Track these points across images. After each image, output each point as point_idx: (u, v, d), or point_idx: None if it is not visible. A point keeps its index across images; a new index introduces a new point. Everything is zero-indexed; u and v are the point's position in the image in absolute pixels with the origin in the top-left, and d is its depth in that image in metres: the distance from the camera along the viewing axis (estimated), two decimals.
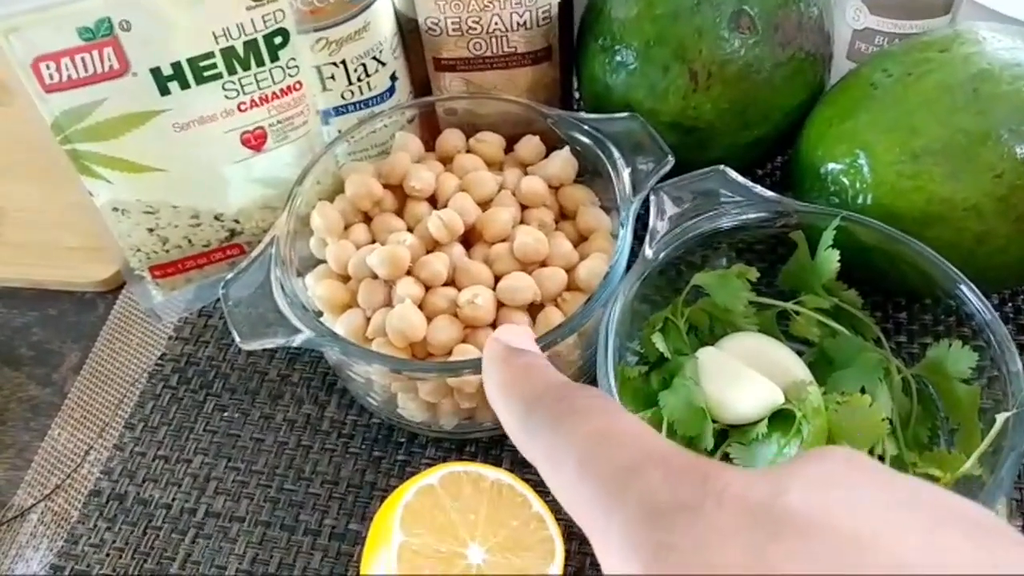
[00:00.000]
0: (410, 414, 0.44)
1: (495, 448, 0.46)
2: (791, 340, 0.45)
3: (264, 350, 0.51)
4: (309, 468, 0.46)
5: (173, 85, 0.41)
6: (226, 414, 0.49)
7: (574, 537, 0.42)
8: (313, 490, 0.45)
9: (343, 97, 0.48)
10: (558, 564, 0.37)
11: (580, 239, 0.46)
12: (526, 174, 0.47)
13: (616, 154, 0.45)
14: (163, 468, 0.47)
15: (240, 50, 0.41)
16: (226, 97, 0.42)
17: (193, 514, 0.45)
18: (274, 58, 0.42)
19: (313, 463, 0.46)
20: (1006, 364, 0.38)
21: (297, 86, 0.45)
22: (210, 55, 0.40)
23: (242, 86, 0.43)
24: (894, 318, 0.48)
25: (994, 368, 0.38)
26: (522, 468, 0.45)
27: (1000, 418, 0.36)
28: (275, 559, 0.43)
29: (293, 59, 0.43)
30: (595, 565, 0.41)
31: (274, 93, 0.44)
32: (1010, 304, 0.50)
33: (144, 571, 0.43)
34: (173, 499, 0.45)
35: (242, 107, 0.43)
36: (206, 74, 0.41)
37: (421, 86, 0.53)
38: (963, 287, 0.39)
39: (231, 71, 0.41)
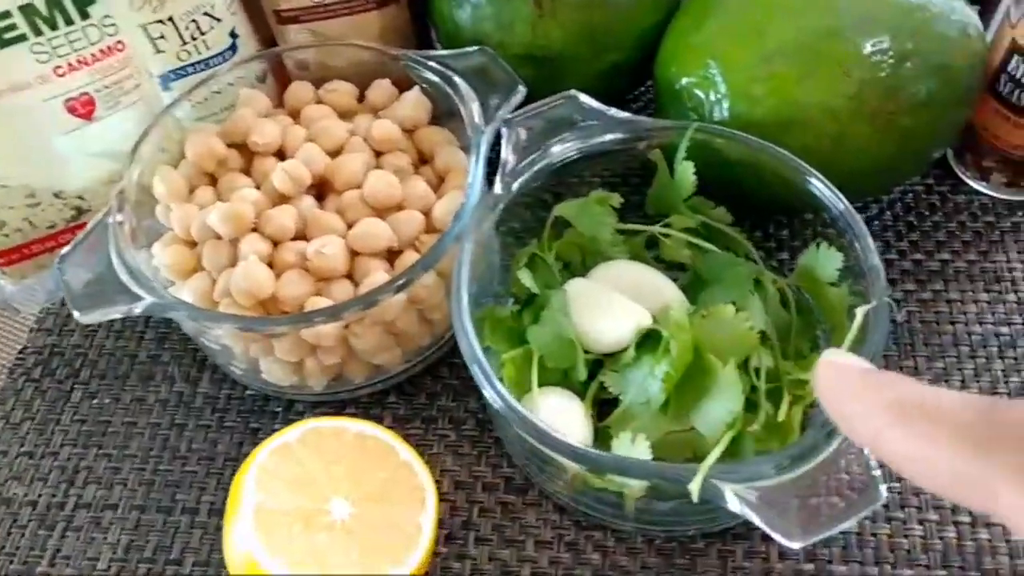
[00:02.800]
0: (275, 378, 0.42)
1: (376, 407, 0.44)
2: (666, 265, 0.44)
3: (133, 331, 0.49)
4: (184, 446, 0.44)
5: None
6: (95, 401, 0.46)
7: (445, 481, 0.41)
8: (189, 468, 0.43)
9: (179, 58, 0.46)
10: (430, 511, 0.36)
11: (440, 181, 0.44)
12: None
13: (463, 87, 0.43)
14: (27, 464, 0.44)
15: (42, 7, 0.38)
16: (38, 61, 0.40)
17: (61, 508, 0.43)
18: (84, 15, 0.40)
19: (188, 441, 0.44)
20: (865, 259, 0.37)
21: (119, 46, 0.42)
22: (7, 15, 0.38)
23: (53, 48, 0.40)
24: (775, 236, 0.47)
25: (856, 269, 0.38)
26: (404, 424, 0.43)
27: (860, 312, 0.35)
28: (151, 543, 0.41)
29: (108, 16, 0.41)
30: (462, 509, 0.40)
31: (94, 55, 0.41)
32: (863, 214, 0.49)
33: (11, 572, 0.41)
34: (39, 495, 0.43)
35: (59, 71, 0.41)
36: (7, 36, 0.38)
37: (271, 44, 0.51)
38: (813, 180, 0.38)
39: (36, 32, 0.39)
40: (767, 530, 0.30)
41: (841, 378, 0.23)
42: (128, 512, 0.42)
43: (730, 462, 0.32)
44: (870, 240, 0.37)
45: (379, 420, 0.44)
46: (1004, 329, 0.44)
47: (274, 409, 0.45)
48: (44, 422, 0.46)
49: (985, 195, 0.49)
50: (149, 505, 0.42)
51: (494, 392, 0.34)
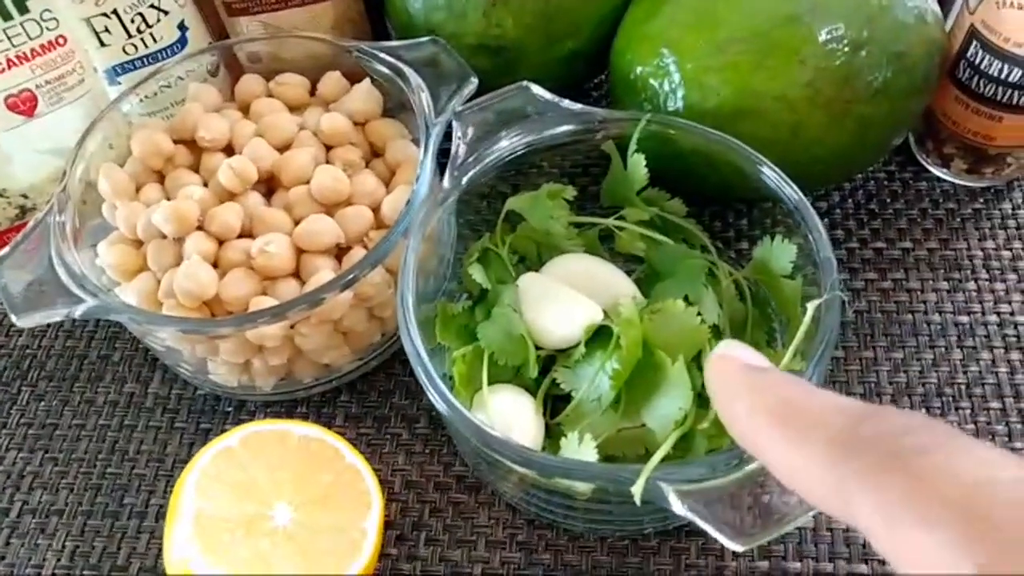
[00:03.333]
0: (223, 379, 0.41)
1: (327, 406, 0.43)
2: (622, 258, 0.43)
3: (83, 331, 0.48)
4: (134, 448, 0.43)
5: None
6: (43, 403, 0.45)
7: (396, 480, 0.40)
8: (138, 471, 0.43)
9: (125, 52, 0.45)
10: (375, 516, 0.35)
11: (391, 175, 0.43)
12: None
13: (413, 79, 0.42)
14: None
15: None
16: None
17: (6, 514, 0.42)
18: (23, 10, 0.39)
19: (138, 443, 0.43)
20: (818, 251, 0.36)
21: (61, 41, 0.41)
22: None
23: None
24: (734, 225, 0.47)
25: (811, 259, 0.37)
26: (356, 423, 0.43)
27: (811, 306, 0.34)
28: (97, 549, 0.40)
29: (47, 10, 0.40)
30: (412, 509, 0.39)
31: (34, 50, 0.40)
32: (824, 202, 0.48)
33: None
34: None
35: None
36: None
37: (223, 36, 0.49)
38: (767, 171, 0.38)
39: None
40: (711, 532, 0.29)
41: (729, 375, 0.23)
42: (74, 517, 0.41)
43: (678, 462, 0.31)
44: (824, 232, 0.36)
45: (331, 419, 0.43)
46: (963, 318, 0.43)
47: (225, 409, 0.44)
48: None
49: (947, 182, 0.48)
50: (96, 509, 0.41)
51: (436, 394, 0.33)
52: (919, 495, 0.17)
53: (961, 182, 0.48)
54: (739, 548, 0.29)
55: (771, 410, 0.21)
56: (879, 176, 0.49)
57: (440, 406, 0.33)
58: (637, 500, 0.30)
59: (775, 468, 0.21)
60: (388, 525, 0.39)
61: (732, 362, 0.23)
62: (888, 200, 0.48)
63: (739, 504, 0.29)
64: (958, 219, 0.47)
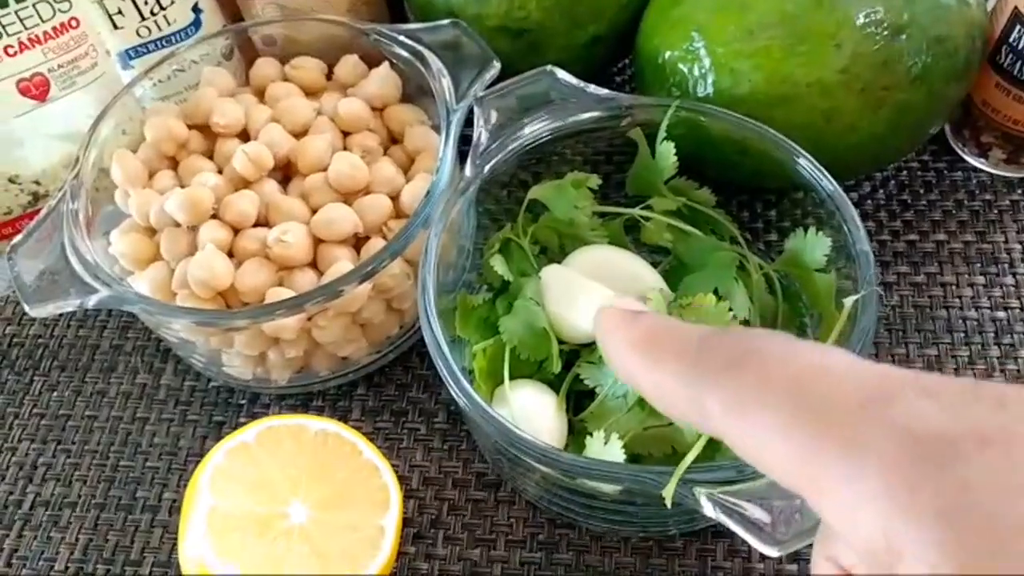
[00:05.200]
0: (238, 371, 0.40)
1: (344, 399, 0.42)
2: (647, 249, 0.42)
3: (95, 320, 0.47)
4: (146, 441, 0.43)
5: None
6: (56, 394, 0.45)
7: (414, 476, 0.39)
8: (151, 464, 0.42)
9: (139, 35, 0.44)
10: (394, 513, 0.34)
11: (410, 163, 0.42)
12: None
13: (433, 63, 0.41)
14: None
15: None
16: None
17: (19, 506, 0.41)
18: None
19: (150, 435, 0.43)
20: (854, 244, 0.35)
21: (73, 23, 0.40)
22: None
23: (3, 27, 0.38)
24: (763, 215, 0.45)
25: (845, 252, 0.36)
26: (373, 417, 0.42)
27: (847, 302, 0.33)
28: (111, 543, 0.40)
29: None
30: (430, 506, 0.38)
31: (46, 33, 0.39)
32: (855, 193, 0.47)
33: None
34: None
35: (9, 51, 0.39)
36: None
37: (237, 19, 0.48)
38: (802, 161, 0.36)
39: None
40: (744, 536, 0.28)
41: (608, 321, 0.24)
42: (87, 510, 0.41)
43: (707, 464, 0.30)
44: (860, 225, 0.35)
45: (347, 412, 0.42)
46: (1000, 314, 0.42)
47: (239, 402, 0.43)
48: (3, 416, 0.44)
49: (983, 172, 0.46)
50: (109, 503, 0.41)
51: (458, 390, 0.32)
52: (757, 385, 0.18)
53: (999, 172, 0.46)
54: (773, 553, 0.27)
55: (635, 342, 0.23)
56: (912, 166, 0.47)
57: (461, 401, 0.32)
58: (668, 503, 0.29)
59: (646, 394, 0.22)
60: (406, 523, 0.38)
61: (612, 309, 0.25)
62: (922, 191, 0.46)
63: (772, 507, 0.28)
64: (995, 211, 0.45)
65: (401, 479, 0.39)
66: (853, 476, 0.16)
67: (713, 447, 0.33)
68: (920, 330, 0.42)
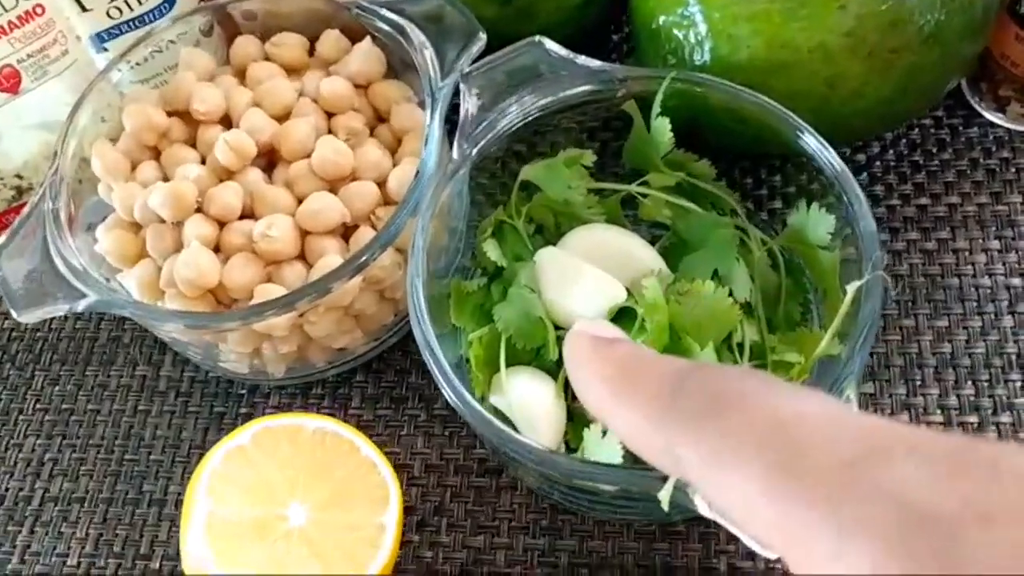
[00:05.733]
0: (234, 366, 0.40)
1: (343, 387, 0.42)
2: (645, 225, 0.41)
3: (92, 313, 0.46)
4: (149, 434, 0.43)
5: None
6: (57, 388, 0.44)
7: (416, 463, 0.39)
8: (155, 457, 0.42)
9: (110, 16, 0.42)
10: (393, 509, 0.34)
11: (397, 143, 0.41)
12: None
13: (415, 36, 0.39)
14: None
15: None
16: None
17: (29, 502, 0.41)
18: None
19: (153, 428, 0.43)
20: (858, 223, 0.33)
21: (39, 11, 0.39)
22: None
23: None
24: (768, 182, 0.44)
25: (849, 230, 0.34)
26: (373, 404, 0.41)
27: (851, 288, 0.32)
28: (120, 537, 0.40)
29: None
30: (432, 493, 0.38)
31: (11, 23, 0.38)
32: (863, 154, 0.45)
33: None
34: (7, 488, 0.42)
35: None
36: None
37: None
38: (805, 135, 0.35)
39: None
40: (742, 537, 0.27)
41: (578, 349, 0.23)
42: (95, 505, 0.41)
43: None
44: (865, 201, 0.33)
45: (347, 400, 0.42)
46: (1016, 280, 0.40)
47: (239, 391, 0.43)
48: (7, 411, 0.44)
49: (1001, 128, 0.44)
50: (116, 497, 0.41)
51: (450, 390, 0.31)
52: (736, 436, 0.17)
53: (1018, 127, 0.44)
54: (772, 555, 0.27)
55: (607, 376, 0.21)
56: (924, 123, 0.45)
57: (452, 400, 0.32)
58: (665, 506, 0.28)
59: (616, 432, 0.22)
60: (408, 511, 0.38)
61: (582, 336, 0.23)
62: (934, 150, 0.44)
63: None
64: (1012, 170, 0.43)
65: (402, 467, 0.39)
66: (841, 551, 0.15)
67: None
68: (930, 300, 0.40)
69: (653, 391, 0.20)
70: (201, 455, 0.41)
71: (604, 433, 0.32)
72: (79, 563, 0.40)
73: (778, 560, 0.35)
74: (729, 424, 0.18)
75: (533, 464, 0.31)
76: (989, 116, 0.44)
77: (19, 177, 0.43)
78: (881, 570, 0.14)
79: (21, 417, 0.44)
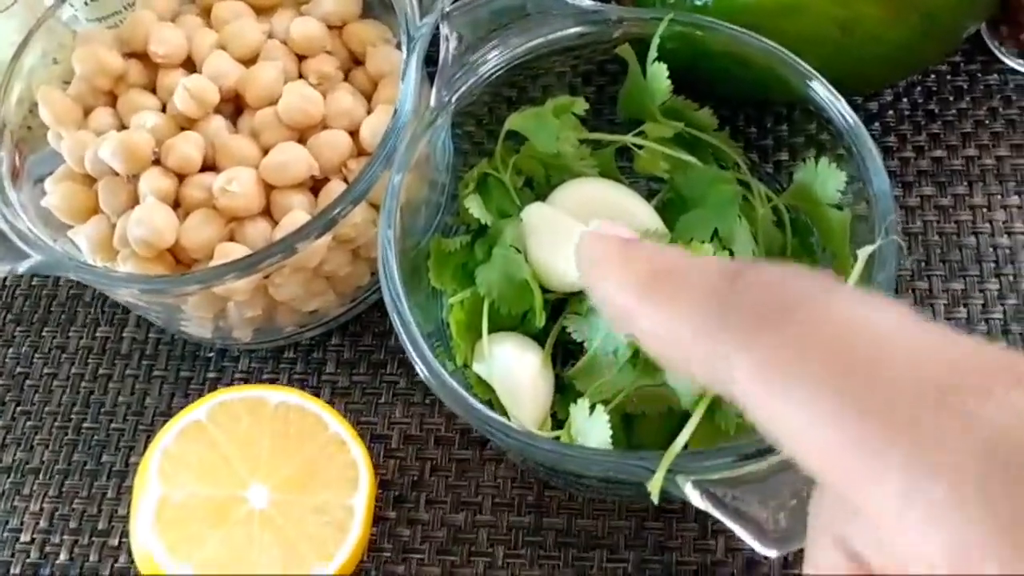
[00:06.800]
0: (197, 330, 0.37)
1: (317, 350, 0.39)
2: (642, 179, 0.38)
3: None
4: (110, 400, 0.40)
5: None
6: (11, 350, 0.42)
7: (394, 434, 0.37)
8: (117, 425, 0.39)
9: None
10: (363, 492, 0.32)
11: (373, 88, 0.38)
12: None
13: None
14: None
15: None
16: None
17: None
18: None
19: (115, 394, 0.40)
20: (871, 181, 0.31)
21: None
22: None
23: None
24: (774, 131, 0.41)
25: (861, 187, 0.31)
26: (349, 370, 0.39)
27: (862, 253, 0.29)
28: (77, 511, 0.38)
29: None
30: (411, 467, 0.36)
31: None
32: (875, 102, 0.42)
33: None
34: None
35: None
36: None
37: None
38: (815, 84, 0.32)
39: None
40: (737, 532, 0.25)
41: (599, 252, 0.20)
42: (51, 477, 0.39)
43: (699, 450, 0.27)
44: (879, 157, 0.30)
45: (321, 365, 0.39)
46: None
47: (206, 355, 0.40)
48: None
49: (1022, 75, 0.41)
50: (74, 468, 0.39)
51: (423, 364, 0.29)
52: (802, 349, 0.15)
53: None
54: (771, 554, 0.25)
55: (641, 280, 0.18)
56: (941, 69, 0.42)
57: (424, 375, 0.29)
58: (655, 499, 0.26)
59: (648, 342, 0.18)
60: (385, 485, 0.36)
61: (603, 238, 0.20)
62: (951, 98, 0.41)
63: (771, 500, 0.25)
64: None
65: (380, 437, 0.37)
66: (920, 490, 0.12)
67: (712, 420, 0.30)
68: (945, 260, 0.38)
69: (698, 295, 0.17)
70: (165, 423, 0.38)
71: (592, 409, 0.30)
72: (32, 539, 0.37)
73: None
74: (791, 333, 0.15)
75: (511, 447, 0.29)
76: (1010, 62, 0.41)
77: None
78: (973, 520, 0.12)
79: None
